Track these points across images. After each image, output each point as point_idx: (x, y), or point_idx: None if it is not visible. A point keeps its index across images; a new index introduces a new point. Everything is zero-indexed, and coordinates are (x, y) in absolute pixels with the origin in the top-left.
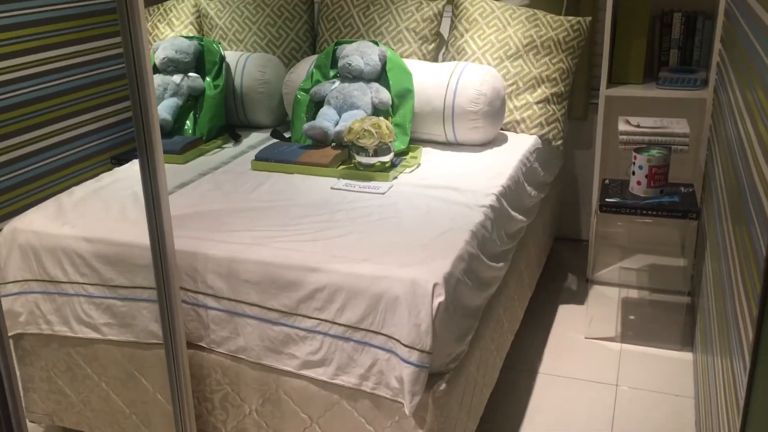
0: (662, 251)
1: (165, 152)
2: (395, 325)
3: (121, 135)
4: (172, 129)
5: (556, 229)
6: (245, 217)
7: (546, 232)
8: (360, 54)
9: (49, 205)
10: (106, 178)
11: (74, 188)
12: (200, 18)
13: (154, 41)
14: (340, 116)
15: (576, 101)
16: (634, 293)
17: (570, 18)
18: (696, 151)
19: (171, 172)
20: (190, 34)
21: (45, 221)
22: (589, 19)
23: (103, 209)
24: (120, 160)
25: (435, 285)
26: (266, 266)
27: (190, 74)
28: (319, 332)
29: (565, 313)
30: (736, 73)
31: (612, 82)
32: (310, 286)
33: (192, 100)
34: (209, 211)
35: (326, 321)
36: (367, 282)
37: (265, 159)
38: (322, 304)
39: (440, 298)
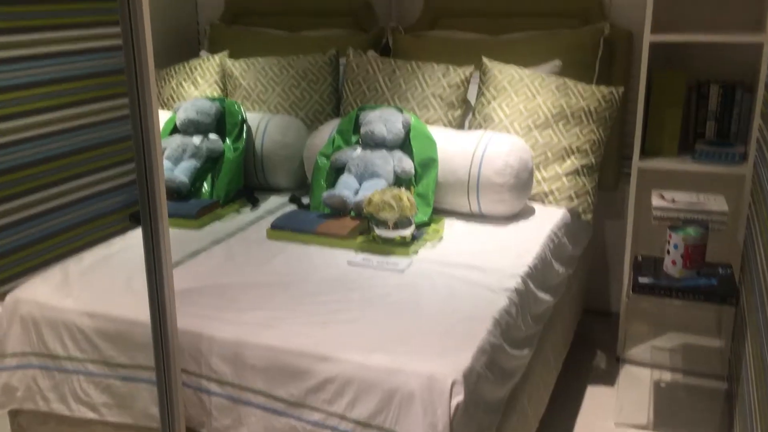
0: (697, 330)
1: (180, 216)
2: (409, 424)
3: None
4: (189, 191)
5: (584, 301)
6: (256, 294)
7: (574, 307)
8: (383, 121)
9: (56, 273)
10: (118, 244)
11: (84, 254)
12: (225, 78)
13: (178, 100)
14: (360, 184)
15: (606, 170)
16: (667, 375)
17: (602, 88)
18: (734, 230)
19: (185, 237)
20: (215, 94)
21: (49, 292)
22: (621, 89)
23: (109, 279)
24: (138, 218)
25: (454, 383)
26: (274, 352)
27: (210, 136)
28: (328, 427)
29: (594, 395)
30: None
31: (645, 154)
32: (319, 376)
33: (211, 163)
34: (219, 286)
35: (335, 415)
36: (380, 375)
37: (281, 228)
38: (331, 396)
39: (459, 397)
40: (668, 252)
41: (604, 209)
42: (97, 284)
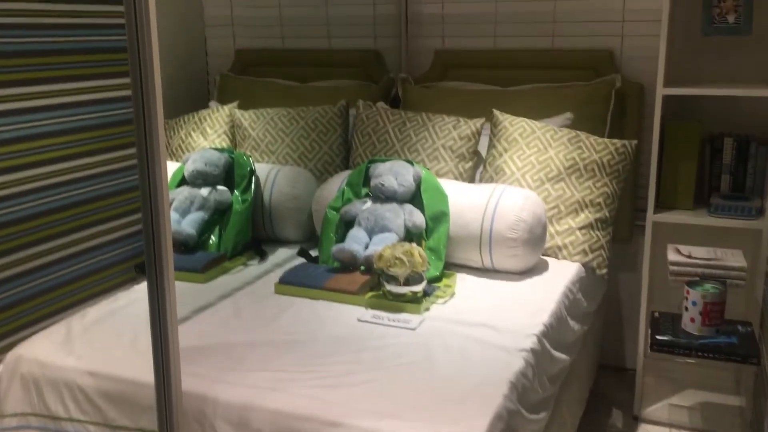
0: (716, 387)
1: (186, 270)
2: None
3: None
4: (196, 244)
5: (599, 357)
6: (263, 354)
7: (589, 363)
8: (394, 174)
9: (59, 329)
10: (123, 298)
11: (88, 309)
12: (234, 128)
13: (187, 150)
14: (370, 238)
15: (620, 222)
16: None
17: (614, 141)
18: (750, 285)
19: (190, 292)
20: (224, 144)
21: (50, 350)
22: (634, 142)
23: (113, 337)
24: (142, 269)
25: None
26: (281, 416)
27: (218, 187)
28: None
29: None
30: None
31: (659, 207)
32: None
33: (218, 214)
34: (225, 344)
35: None
36: None
37: (289, 283)
38: None
39: None
40: (686, 309)
41: (618, 262)
42: (101, 342)
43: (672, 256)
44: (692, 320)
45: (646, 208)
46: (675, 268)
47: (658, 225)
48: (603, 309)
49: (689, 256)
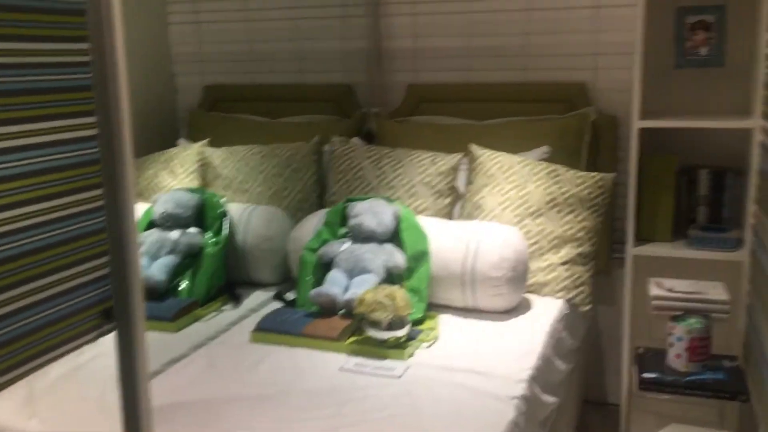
0: (701, 421)
1: (156, 319)
2: None
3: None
4: (166, 290)
5: (583, 393)
6: (241, 410)
7: (574, 401)
8: (372, 213)
9: (19, 390)
10: (88, 351)
11: (52, 366)
12: (204, 167)
13: (155, 191)
14: (350, 280)
15: (597, 255)
16: None
17: (593, 174)
18: (734, 317)
19: (161, 342)
20: (194, 183)
21: (11, 411)
22: (612, 175)
23: (79, 395)
24: (109, 315)
25: None
26: None
27: (189, 230)
28: None
29: None
30: None
31: (638, 240)
32: None
33: (190, 258)
34: (200, 401)
35: None
36: None
37: (266, 330)
38: None
39: None
40: (671, 344)
41: (596, 295)
42: (66, 401)
43: (654, 290)
44: (678, 356)
45: (623, 240)
46: (658, 302)
47: (638, 258)
48: (585, 344)
49: (671, 290)
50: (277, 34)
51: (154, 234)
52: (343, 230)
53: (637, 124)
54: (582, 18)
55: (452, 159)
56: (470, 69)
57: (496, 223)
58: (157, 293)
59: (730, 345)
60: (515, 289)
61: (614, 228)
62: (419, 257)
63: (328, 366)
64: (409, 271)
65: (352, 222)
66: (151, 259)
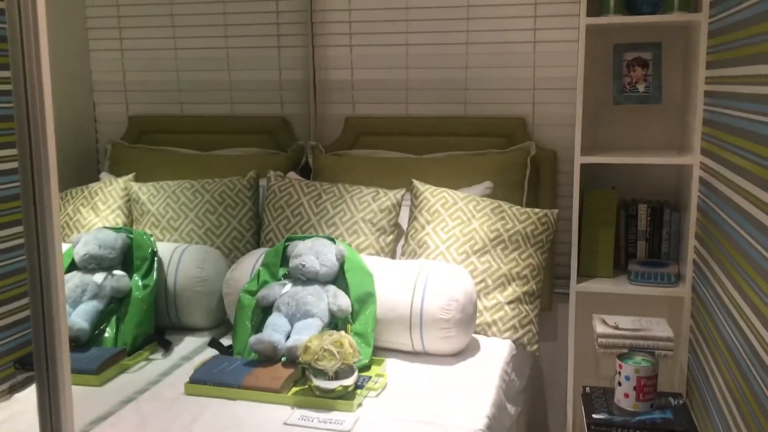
0: None
1: (78, 372)
2: None
3: (28, 333)
4: (89, 339)
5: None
6: None
7: None
8: (315, 253)
9: None
10: (3, 411)
11: None
12: (130, 203)
13: (76, 229)
14: (292, 326)
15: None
16: None
17: (536, 210)
18: (676, 353)
19: (85, 398)
20: (118, 221)
21: None
22: (556, 211)
23: None
24: (24, 364)
25: None
26: None
27: (115, 272)
28: None
29: None
30: (725, 271)
31: (580, 275)
32: None
33: (115, 303)
34: None
35: None
36: None
37: (202, 382)
38: None
39: None
40: (619, 383)
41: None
42: None
43: (599, 327)
44: (626, 395)
45: (564, 275)
46: (603, 340)
47: (581, 294)
48: (529, 384)
49: (616, 327)
50: (207, 63)
51: (75, 277)
52: (283, 271)
53: (580, 159)
54: (521, 53)
55: (394, 195)
56: (409, 102)
57: (443, 262)
58: (80, 342)
59: (673, 382)
60: (464, 331)
61: (555, 263)
62: (365, 299)
63: (271, 420)
64: (354, 314)
65: (293, 263)
66: (73, 305)
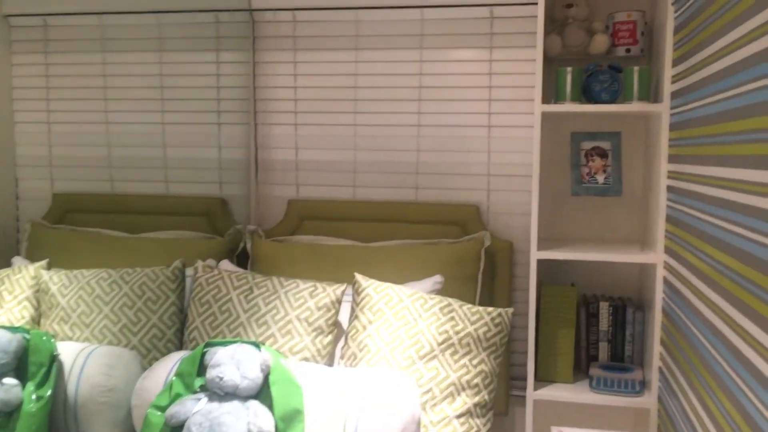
0: None
1: None
2: None
3: None
4: None
5: None
6: None
7: None
8: (236, 363)
9: None
10: None
11: None
12: (39, 293)
13: None
14: None
15: (496, 396)
16: None
17: (489, 309)
18: None
19: None
20: (24, 313)
21: None
22: (510, 310)
23: None
24: None
25: None
26: None
27: (5, 381)
28: None
29: None
30: (689, 383)
31: (538, 379)
32: None
33: (4, 417)
34: None
35: None
36: None
37: None
38: None
39: None
40: None
41: None
42: None
43: None
44: None
45: (521, 376)
46: None
47: (539, 402)
48: None
49: None
50: (142, 138)
51: None
52: (200, 381)
53: (536, 255)
54: (475, 137)
55: (334, 291)
56: (357, 185)
57: (385, 371)
58: None
59: None
60: None
61: (511, 363)
62: (291, 417)
63: None
64: None
65: (210, 374)
66: None
